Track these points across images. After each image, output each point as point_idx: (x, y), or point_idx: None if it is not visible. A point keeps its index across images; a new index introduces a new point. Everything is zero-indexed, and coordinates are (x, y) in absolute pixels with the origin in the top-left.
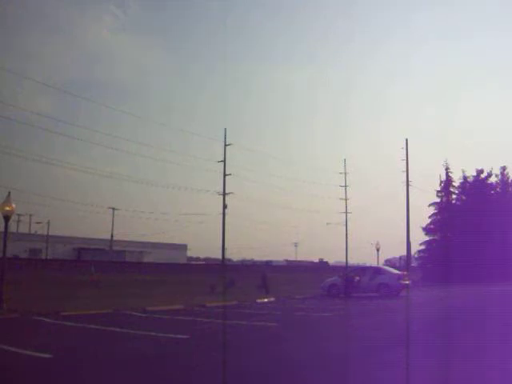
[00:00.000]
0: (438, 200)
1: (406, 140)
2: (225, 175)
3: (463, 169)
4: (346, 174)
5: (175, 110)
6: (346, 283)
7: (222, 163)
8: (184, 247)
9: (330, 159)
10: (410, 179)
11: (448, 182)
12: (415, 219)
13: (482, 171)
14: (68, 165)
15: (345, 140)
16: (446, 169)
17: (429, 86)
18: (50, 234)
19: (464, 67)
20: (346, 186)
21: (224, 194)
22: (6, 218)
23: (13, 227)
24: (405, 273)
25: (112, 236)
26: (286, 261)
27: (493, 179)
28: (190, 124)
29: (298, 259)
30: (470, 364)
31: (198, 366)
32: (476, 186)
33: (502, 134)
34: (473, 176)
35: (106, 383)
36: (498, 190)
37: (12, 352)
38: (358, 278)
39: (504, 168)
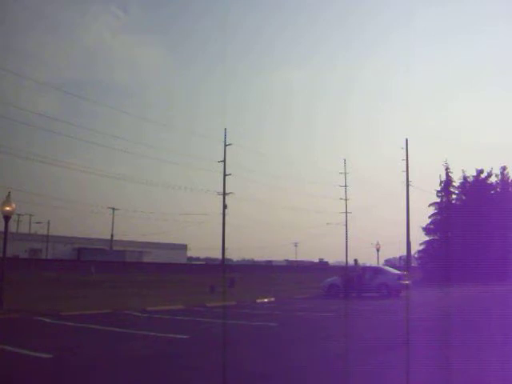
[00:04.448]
0: (438, 200)
1: (406, 140)
2: (225, 175)
3: (463, 169)
4: (346, 173)
5: (175, 110)
6: (345, 283)
7: (222, 163)
8: (184, 247)
9: (330, 159)
10: (410, 179)
11: (448, 182)
12: (415, 219)
13: (481, 171)
14: (68, 165)
15: (345, 140)
16: (446, 169)
17: (429, 85)
18: (50, 234)
19: (464, 67)
20: (346, 186)
21: (224, 194)
22: (6, 218)
23: (13, 227)
24: (405, 273)
25: (112, 236)
26: (287, 261)
27: (493, 179)
28: (190, 124)
29: (298, 259)
30: (470, 364)
31: (197, 366)
32: (476, 186)
33: (502, 134)
34: (473, 176)
35: (106, 383)
36: (497, 190)
37: (12, 352)
38: (357, 277)
39: (504, 168)
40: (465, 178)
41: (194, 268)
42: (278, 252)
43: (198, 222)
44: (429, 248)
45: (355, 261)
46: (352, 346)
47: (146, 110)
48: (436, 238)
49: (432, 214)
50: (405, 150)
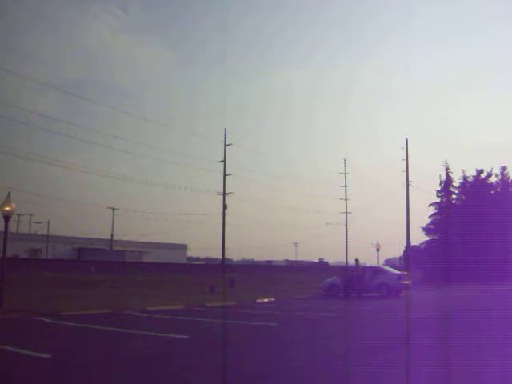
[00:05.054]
0: (438, 200)
1: (406, 140)
2: (225, 175)
3: (463, 169)
4: (346, 173)
5: (175, 110)
6: (345, 283)
7: (222, 163)
8: (184, 247)
9: (330, 159)
10: (410, 179)
11: (448, 182)
12: (415, 219)
13: (481, 171)
14: (68, 165)
15: (345, 140)
16: (446, 169)
17: (429, 85)
18: (50, 234)
19: (464, 67)
20: (346, 186)
21: (224, 194)
22: (6, 218)
23: (13, 227)
24: (405, 273)
25: (112, 236)
26: (287, 261)
27: (493, 179)
28: (190, 124)
29: (298, 259)
30: (470, 364)
31: (197, 366)
32: (476, 186)
33: (502, 134)
34: (473, 176)
35: (106, 383)
36: (497, 190)
37: (12, 352)
38: (357, 277)
39: (504, 168)
40: (465, 178)
41: (194, 268)
42: (278, 252)
43: (198, 222)
44: (429, 248)
45: (356, 261)
46: (352, 346)
47: (146, 110)
48: (436, 238)
49: (432, 214)
50: (405, 150)
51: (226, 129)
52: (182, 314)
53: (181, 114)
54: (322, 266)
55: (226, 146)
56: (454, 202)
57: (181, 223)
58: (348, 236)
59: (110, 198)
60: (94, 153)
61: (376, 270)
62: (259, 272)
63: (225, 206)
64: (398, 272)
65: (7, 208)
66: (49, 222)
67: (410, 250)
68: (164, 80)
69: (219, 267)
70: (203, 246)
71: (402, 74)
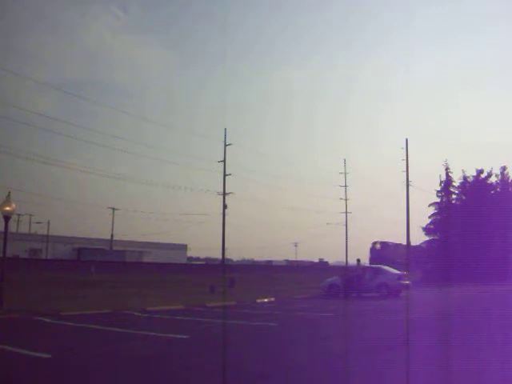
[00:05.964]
0: (438, 200)
1: (406, 140)
2: (225, 175)
3: (463, 169)
4: (346, 173)
5: (175, 110)
6: (345, 283)
7: (222, 163)
8: (184, 247)
9: (330, 159)
10: (410, 179)
11: (448, 182)
12: (415, 219)
13: (481, 171)
14: (68, 165)
15: (345, 140)
16: (446, 169)
17: (429, 85)
18: (50, 234)
19: (464, 67)
20: (346, 186)
21: (224, 194)
22: (6, 218)
23: (13, 227)
24: (405, 273)
25: (112, 236)
26: (287, 261)
27: (493, 179)
28: (190, 124)
29: (298, 259)
30: (470, 364)
31: (197, 366)
32: (476, 186)
33: (502, 134)
34: (473, 176)
35: (106, 383)
36: (497, 190)
37: (12, 352)
38: (357, 277)
39: (504, 168)
40: (465, 178)
41: (194, 268)
42: (278, 252)
43: (198, 222)
44: (429, 248)
45: (358, 260)
46: (352, 346)
47: (146, 110)
48: (436, 238)
49: (432, 214)
50: (405, 150)
51: (226, 129)
52: (182, 313)
53: (181, 113)
54: (322, 266)
55: (225, 145)
56: (454, 202)
57: (181, 223)
58: (348, 236)
59: (110, 198)
60: (94, 153)
61: (376, 270)
62: (259, 272)
63: (225, 206)
64: (398, 272)
65: (7, 208)
66: (49, 222)
67: (408, 249)
68: (164, 80)
69: (219, 267)
70: (203, 245)
71: (402, 74)
